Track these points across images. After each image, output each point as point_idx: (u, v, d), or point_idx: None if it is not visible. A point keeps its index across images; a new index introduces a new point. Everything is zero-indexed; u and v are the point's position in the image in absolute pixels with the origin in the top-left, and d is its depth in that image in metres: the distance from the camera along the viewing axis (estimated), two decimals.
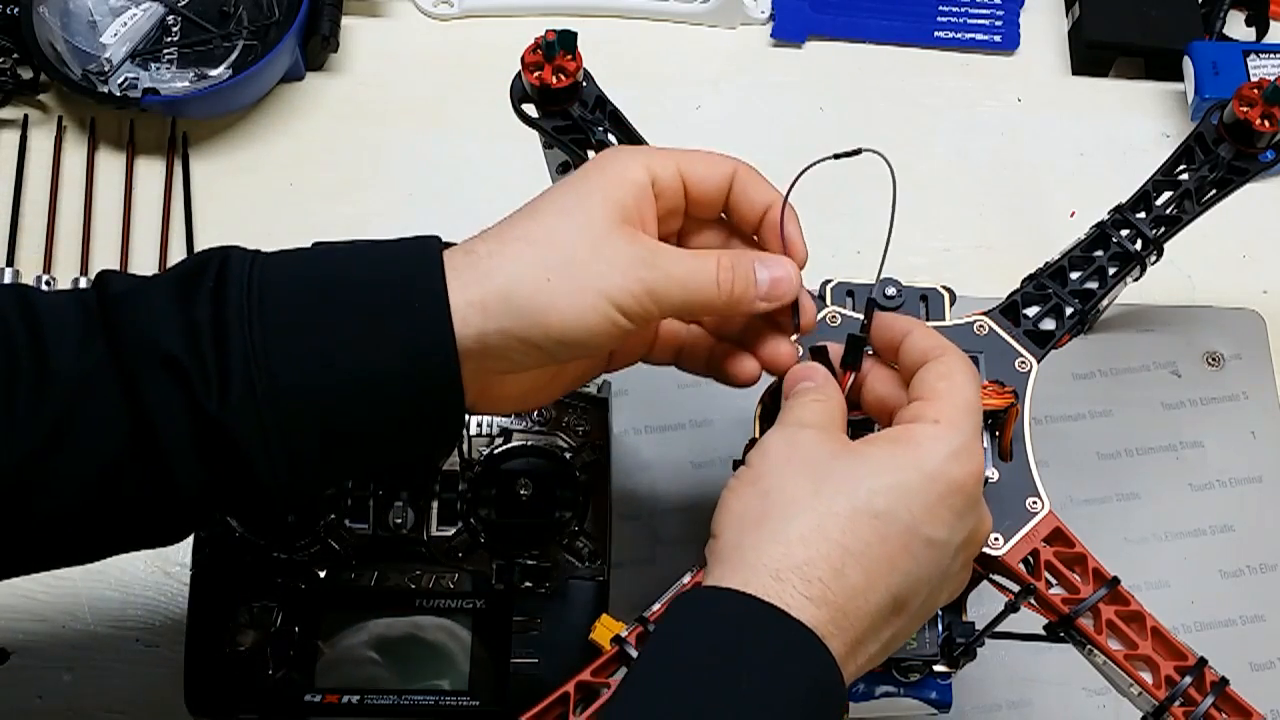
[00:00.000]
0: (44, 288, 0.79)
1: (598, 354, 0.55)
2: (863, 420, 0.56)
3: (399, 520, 0.65)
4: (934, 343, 0.53)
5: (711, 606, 0.48)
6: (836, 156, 0.55)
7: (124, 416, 0.47)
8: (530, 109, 0.65)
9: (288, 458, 0.48)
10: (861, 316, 0.60)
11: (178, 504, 0.49)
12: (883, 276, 0.63)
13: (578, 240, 0.50)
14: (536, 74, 0.63)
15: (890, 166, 0.53)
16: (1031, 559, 0.57)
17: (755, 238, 0.57)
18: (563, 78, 0.63)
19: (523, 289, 0.49)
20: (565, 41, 0.63)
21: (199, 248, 0.81)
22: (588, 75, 0.65)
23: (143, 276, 0.51)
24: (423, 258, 0.50)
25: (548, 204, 0.52)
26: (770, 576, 0.47)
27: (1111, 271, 0.65)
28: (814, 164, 0.55)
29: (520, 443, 0.67)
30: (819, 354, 0.57)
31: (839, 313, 0.61)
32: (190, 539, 0.65)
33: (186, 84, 0.84)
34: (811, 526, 0.48)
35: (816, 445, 0.51)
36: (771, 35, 0.92)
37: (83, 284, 0.80)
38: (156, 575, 0.73)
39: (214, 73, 0.85)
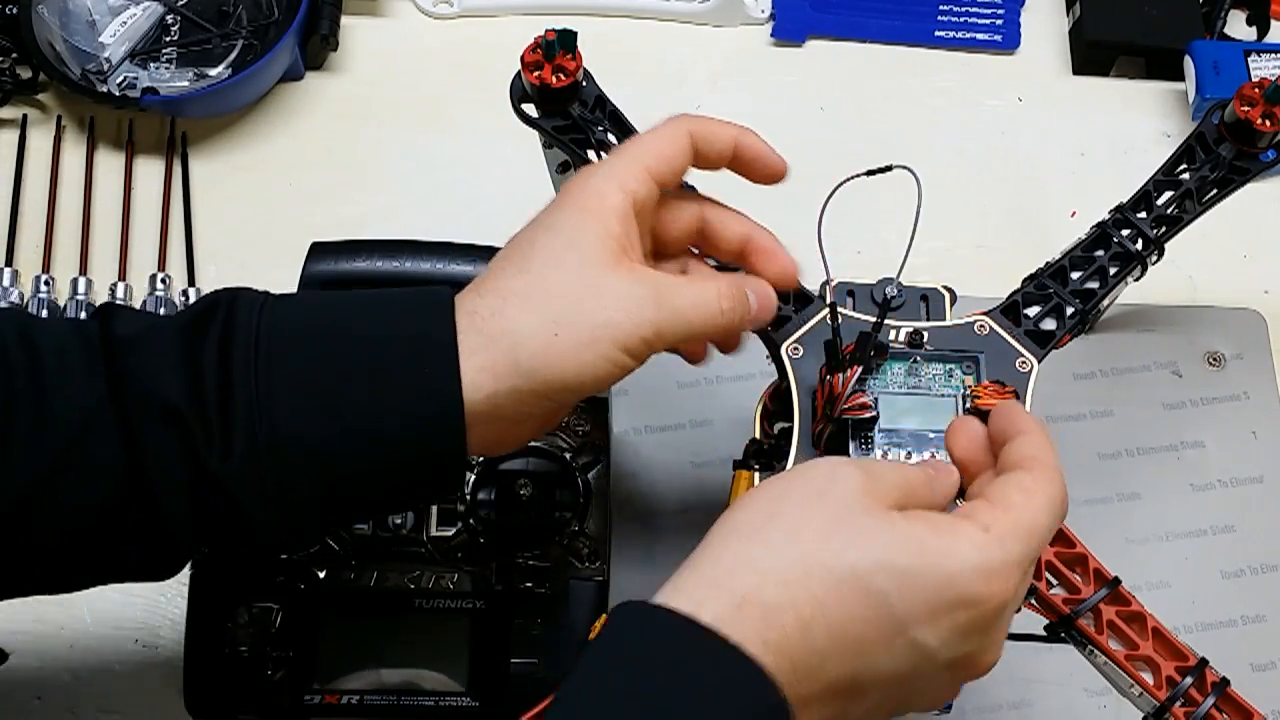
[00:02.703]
0: (43, 288, 0.78)
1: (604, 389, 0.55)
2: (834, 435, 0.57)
3: (398, 520, 0.65)
4: (1037, 453, 0.49)
5: (655, 623, 0.44)
6: (870, 173, 0.56)
7: (121, 460, 0.47)
8: (530, 109, 0.65)
9: (284, 509, 0.48)
10: (862, 316, 0.61)
11: (169, 544, 0.49)
12: (883, 276, 0.63)
13: (579, 289, 0.50)
14: (536, 73, 0.63)
15: (918, 181, 0.54)
16: None
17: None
18: (562, 77, 0.63)
19: (530, 348, 0.49)
20: (565, 41, 0.63)
21: (198, 247, 0.82)
22: (588, 75, 0.65)
23: (149, 316, 0.51)
24: (434, 316, 0.49)
25: (540, 252, 0.51)
26: (732, 602, 0.44)
27: (1112, 271, 0.65)
28: (847, 180, 0.57)
29: None
30: (830, 347, 0.58)
31: (841, 313, 0.61)
32: None
33: (186, 83, 0.84)
34: (798, 571, 0.44)
35: (856, 495, 0.47)
36: (772, 35, 0.92)
37: (81, 284, 0.79)
38: None
39: (213, 72, 0.85)
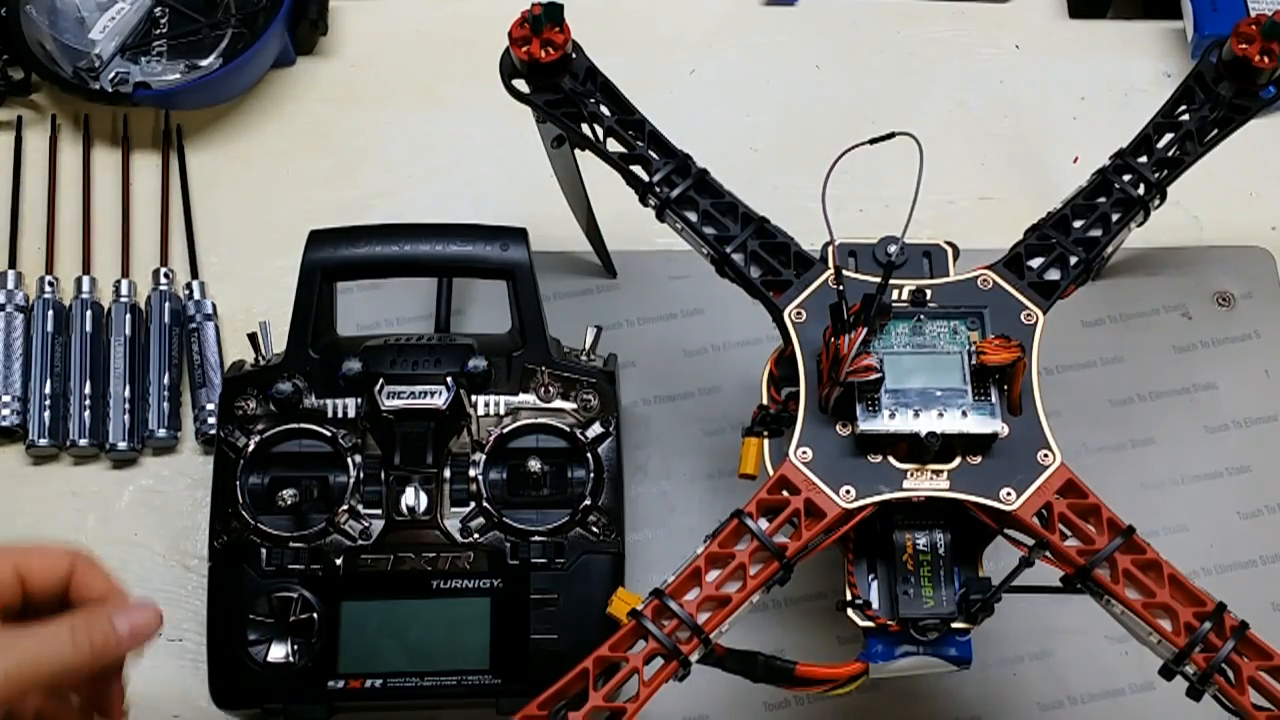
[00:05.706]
0: (46, 289, 0.78)
1: None
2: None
3: (411, 504, 0.65)
4: None
5: None
6: (871, 142, 0.56)
7: None
8: (521, 84, 0.65)
9: None
10: (864, 277, 0.61)
11: None
12: (885, 235, 0.62)
13: None
14: (524, 49, 0.62)
15: (920, 147, 0.53)
16: (1045, 512, 0.57)
17: None
18: (551, 51, 0.62)
19: None
20: (552, 14, 0.62)
21: (199, 240, 0.82)
22: (577, 47, 0.64)
23: None
24: None
25: None
26: None
27: (1115, 218, 0.64)
28: (849, 150, 0.56)
29: (529, 420, 0.67)
30: (835, 310, 0.57)
31: (846, 275, 0.60)
32: (206, 529, 0.66)
33: (177, 76, 0.84)
34: None
35: None
36: None
37: (85, 284, 0.79)
38: (176, 569, 0.74)
39: (204, 63, 0.84)
